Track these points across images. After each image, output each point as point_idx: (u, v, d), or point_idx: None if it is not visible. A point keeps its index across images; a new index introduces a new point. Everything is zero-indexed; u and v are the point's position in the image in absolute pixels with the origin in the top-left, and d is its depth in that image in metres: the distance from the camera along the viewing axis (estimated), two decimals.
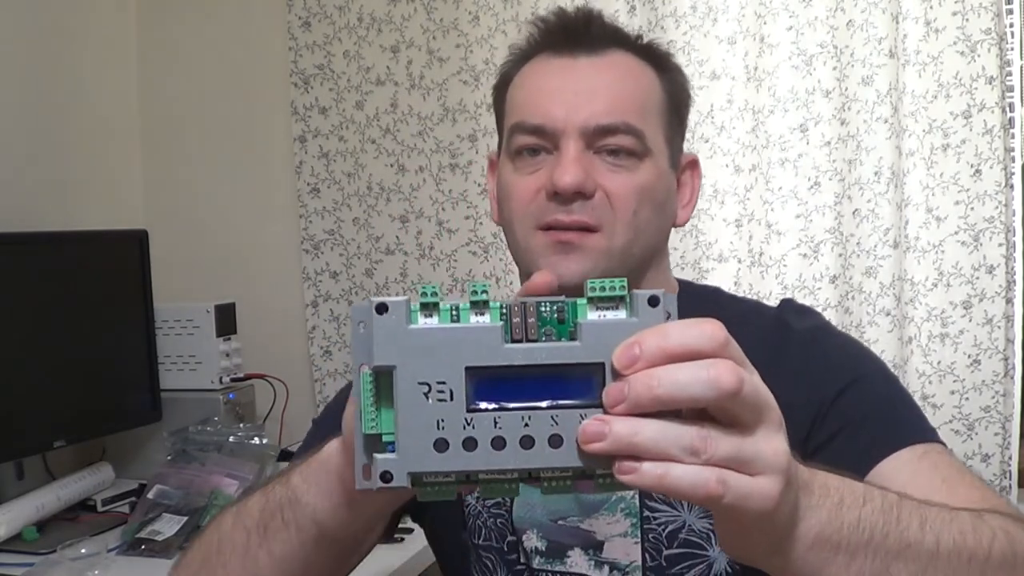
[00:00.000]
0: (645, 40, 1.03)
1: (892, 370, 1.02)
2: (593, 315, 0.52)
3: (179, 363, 2.09)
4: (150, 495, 1.78)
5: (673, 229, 1.05)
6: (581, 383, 0.51)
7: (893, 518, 0.63)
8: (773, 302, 1.92)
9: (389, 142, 2.16)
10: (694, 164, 1.05)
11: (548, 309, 0.52)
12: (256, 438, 1.92)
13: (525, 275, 1.00)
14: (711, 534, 0.94)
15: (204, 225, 2.38)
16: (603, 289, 0.52)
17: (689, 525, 0.94)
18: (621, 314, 0.52)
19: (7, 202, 1.97)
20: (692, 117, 1.96)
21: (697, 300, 1.03)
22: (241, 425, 2.00)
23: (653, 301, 0.51)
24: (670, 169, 0.99)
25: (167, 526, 1.70)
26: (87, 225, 2.14)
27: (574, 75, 0.96)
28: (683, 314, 0.99)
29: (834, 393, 0.93)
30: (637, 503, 0.95)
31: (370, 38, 2.17)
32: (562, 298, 0.52)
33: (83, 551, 1.58)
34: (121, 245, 2.03)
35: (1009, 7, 1.85)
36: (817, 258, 1.92)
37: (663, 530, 0.94)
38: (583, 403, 0.51)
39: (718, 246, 1.98)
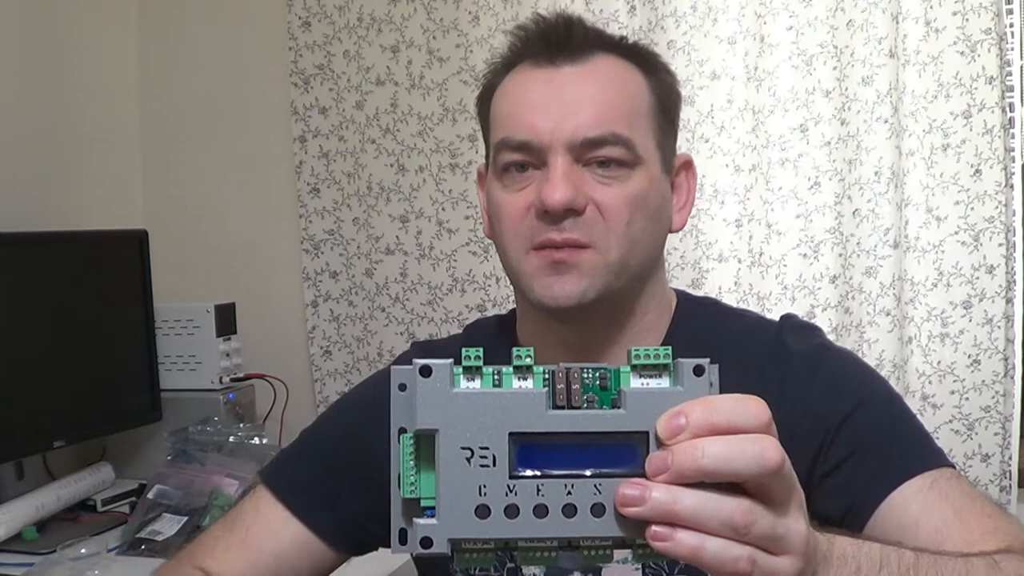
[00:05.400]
0: (630, 41, 0.99)
1: (894, 386, 1.00)
2: (636, 382, 0.52)
3: (179, 363, 2.09)
4: (150, 495, 1.78)
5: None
6: (625, 452, 0.51)
7: None
8: (774, 302, 1.95)
9: (389, 142, 2.16)
10: (688, 165, 1.02)
11: (591, 376, 0.52)
12: (256, 438, 1.93)
13: (520, 294, 0.98)
14: None
15: (204, 225, 2.38)
16: (647, 356, 0.52)
17: None
18: (664, 382, 0.52)
19: (7, 202, 1.97)
20: (692, 117, 1.97)
21: (695, 313, 1.02)
22: (241, 425, 2.00)
23: (698, 370, 0.51)
24: (663, 174, 0.96)
25: (167, 526, 1.70)
26: (87, 225, 2.14)
27: (558, 86, 0.93)
28: (683, 327, 0.98)
29: (839, 419, 0.91)
30: None
31: (370, 38, 2.17)
32: (605, 365, 0.52)
33: (83, 551, 1.58)
34: (121, 245, 2.03)
35: (1009, 7, 1.85)
36: (817, 258, 1.92)
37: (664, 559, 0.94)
38: (627, 472, 0.50)
39: (718, 246, 1.98)
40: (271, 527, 1.00)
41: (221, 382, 2.07)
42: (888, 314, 1.89)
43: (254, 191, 2.34)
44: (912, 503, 0.86)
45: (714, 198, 1.97)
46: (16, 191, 2.02)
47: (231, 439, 1.91)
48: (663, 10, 1.98)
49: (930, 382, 1.87)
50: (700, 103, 1.97)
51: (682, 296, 1.04)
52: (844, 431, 0.91)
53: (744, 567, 0.50)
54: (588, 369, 0.52)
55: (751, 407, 0.51)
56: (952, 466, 0.91)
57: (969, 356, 1.85)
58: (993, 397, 1.83)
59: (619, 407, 0.51)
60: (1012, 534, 0.82)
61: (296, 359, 2.28)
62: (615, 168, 0.91)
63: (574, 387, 0.51)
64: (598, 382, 0.52)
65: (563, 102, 0.91)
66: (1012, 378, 1.85)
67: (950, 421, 1.86)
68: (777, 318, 1.03)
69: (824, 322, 1.91)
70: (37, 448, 1.85)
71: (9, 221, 1.89)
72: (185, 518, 1.71)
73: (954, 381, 1.86)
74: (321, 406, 2.25)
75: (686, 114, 1.97)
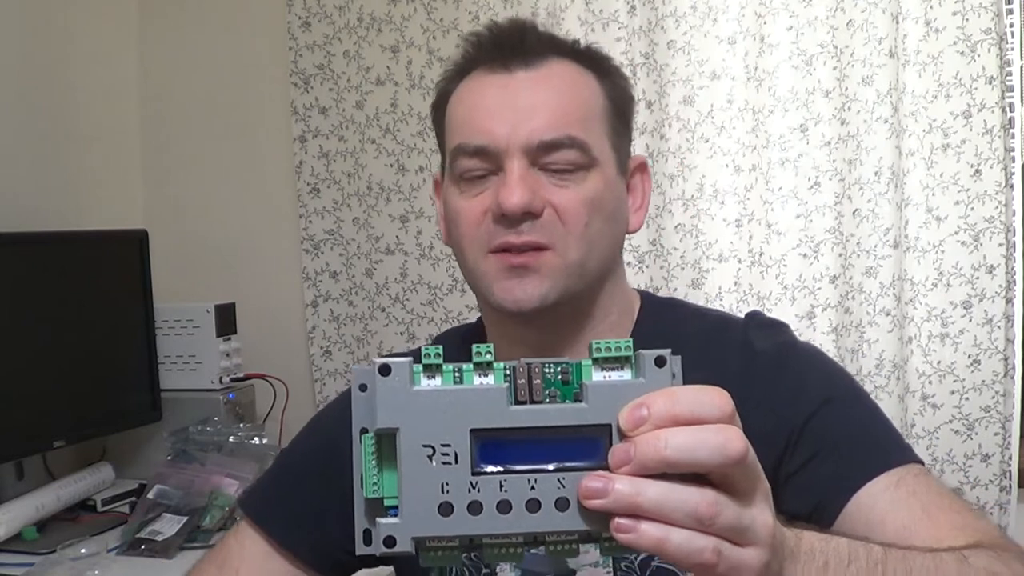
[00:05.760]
0: (583, 45, 1.00)
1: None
2: (598, 376, 0.52)
3: (179, 363, 2.09)
4: (150, 495, 1.78)
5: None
6: (588, 445, 0.50)
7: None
8: (774, 302, 1.95)
9: (389, 142, 2.16)
10: (643, 167, 1.02)
11: (552, 370, 0.52)
12: (256, 438, 1.93)
13: (481, 298, 0.98)
14: None
15: (204, 225, 2.38)
16: (608, 350, 0.52)
17: None
18: (626, 375, 0.52)
19: (7, 202, 1.97)
20: (692, 117, 1.97)
21: (659, 313, 1.02)
22: (241, 425, 2.00)
23: (660, 361, 0.51)
24: (618, 176, 0.97)
25: (167, 526, 1.70)
26: (87, 225, 2.14)
27: (512, 91, 0.93)
28: (647, 327, 0.98)
29: (804, 417, 0.91)
30: None
31: (370, 38, 2.17)
32: (566, 359, 0.52)
33: (83, 551, 1.58)
34: (121, 245, 2.03)
35: (1009, 7, 1.85)
36: (817, 258, 1.92)
37: (635, 559, 0.93)
38: (590, 465, 0.50)
39: (718, 246, 1.98)
40: (259, 566, 1.01)
41: (221, 382, 2.07)
42: (888, 314, 1.89)
43: (254, 191, 2.34)
44: (879, 501, 0.85)
45: (714, 198, 1.97)
46: (16, 191, 2.02)
47: (231, 439, 1.91)
48: (663, 10, 1.98)
49: (930, 382, 1.87)
50: (700, 103, 1.97)
51: (646, 297, 1.04)
52: (809, 430, 0.91)
53: (709, 558, 0.50)
54: (549, 364, 0.52)
55: (714, 398, 0.51)
56: (920, 462, 0.91)
57: (969, 356, 1.85)
58: (993, 397, 1.83)
59: (581, 401, 0.51)
60: (981, 530, 0.82)
61: (296, 359, 2.28)
62: (571, 171, 0.92)
63: (535, 382, 0.51)
64: (560, 376, 0.51)
65: (518, 107, 0.92)
66: (1012, 378, 1.85)
67: (950, 421, 1.86)
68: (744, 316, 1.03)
69: (824, 322, 1.91)
70: (37, 448, 1.85)
71: (9, 221, 1.89)
72: (185, 518, 1.71)
73: (954, 381, 1.86)
74: (321, 406, 2.24)
75: (686, 114, 1.98)
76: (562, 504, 0.50)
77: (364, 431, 0.51)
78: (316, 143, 2.22)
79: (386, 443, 0.51)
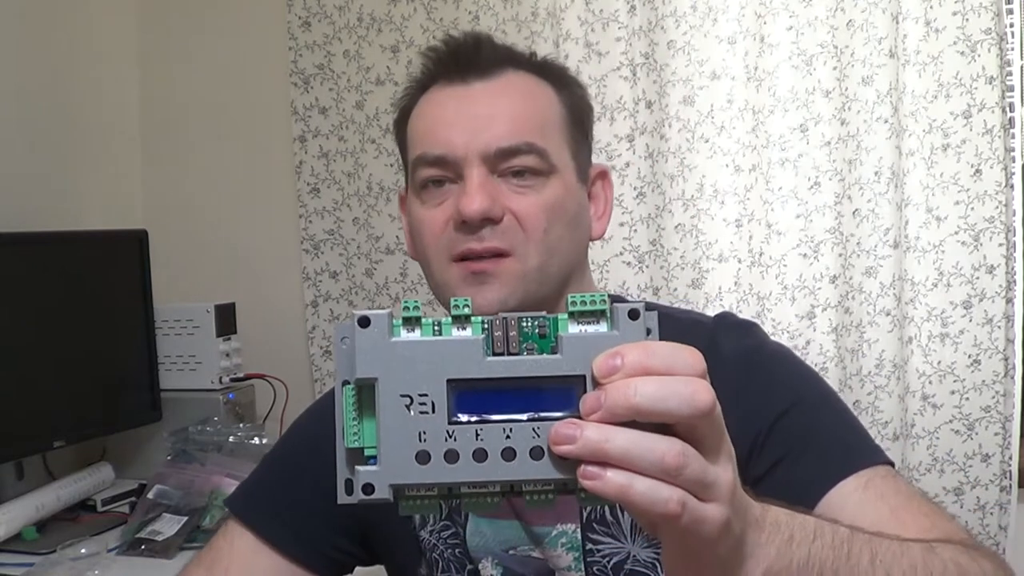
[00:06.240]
0: (539, 58, 1.02)
1: (831, 386, 0.99)
2: (574, 329, 0.52)
3: (179, 363, 2.09)
4: (150, 495, 1.78)
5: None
6: (562, 395, 0.51)
7: (843, 554, 0.63)
8: (774, 302, 1.95)
9: (389, 142, 2.16)
10: (604, 175, 1.04)
11: (530, 324, 0.52)
12: (256, 438, 1.93)
13: (445, 307, 0.98)
14: (656, 563, 0.92)
15: (204, 225, 2.38)
16: (584, 303, 0.52)
17: (634, 556, 0.93)
18: (602, 328, 0.52)
19: (7, 202, 1.97)
20: (692, 117, 1.97)
21: None
22: (241, 425, 2.00)
23: (633, 314, 0.52)
24: (579, 183, 0.99)
25: (167, 526, 1.70)
26: (87, 225, 2.14)
27: (470, 101, 0.95)
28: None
29: (770, 421, 0.91)
30: (579, 537, 0.94)
31: (370, 38, 2.17)
32: (543, 313, 0.53)
33: (83, 551, 1.58)
34: (121, 245, 2.03)
35: (1009, 7, 1.85)
36: (817, 258, 1.92)
37: (608, 562, 0.93)
38: (563, 415, 0.51)
39: (718, 246, 1.98)
40: (248, 563, 1.01)
41: (221, 382, 2.07)
42: (888, 314, 1.89)
43: (254, 191, 2.34)
44: (847, 503, 0.85)
45: (714, 198, 1.97)
46: (16, 191, 2.02)
47: (231, 439, 1.92)
48: (663, 10, 1.98)
49: (930, 382, 1.87)
50: (700, 103, 1.97)
51: (614, 299, 1.04)
52: (777, 432, 0.91)
53: (674, 508, 0.50)
54: (527, 318, 0.52)
55: (687, 356, 0.52)
56: (890, 463, 0.91)
57: (969, 356, 1.85)
58: (993, 397, 1.83)
59: (557, 353, 0.52)
60: (948, 532, 0.82)
61: (296, 359, 2.28)
62: (530, 177, 0.94)
63: (511, 334, 0.52)
64: (537, 330, 0.52)
65: (476, 116, 0.94)
66: (1012, 378, 1.85)
67: (950, 421, 1.86)
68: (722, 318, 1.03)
69: (824, 322, 1.91)
70: (37, 448, 1.85)
71: (9, 221, 1.90)
72: (185, 518, 1.71)
73: (954, 381, 1.86)
74: None
75: (686, 114, 1.98)
76: (536, 453, 0.51)
77: (346, 383, 0.52)
78: (316, 143, 2.22)
79: (366, 394, 0.52)
